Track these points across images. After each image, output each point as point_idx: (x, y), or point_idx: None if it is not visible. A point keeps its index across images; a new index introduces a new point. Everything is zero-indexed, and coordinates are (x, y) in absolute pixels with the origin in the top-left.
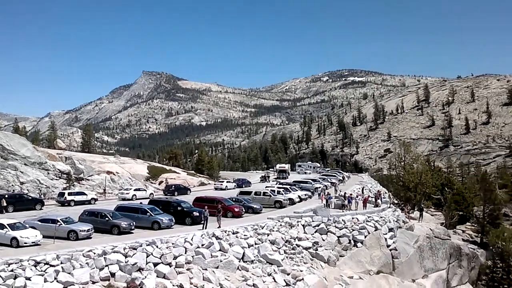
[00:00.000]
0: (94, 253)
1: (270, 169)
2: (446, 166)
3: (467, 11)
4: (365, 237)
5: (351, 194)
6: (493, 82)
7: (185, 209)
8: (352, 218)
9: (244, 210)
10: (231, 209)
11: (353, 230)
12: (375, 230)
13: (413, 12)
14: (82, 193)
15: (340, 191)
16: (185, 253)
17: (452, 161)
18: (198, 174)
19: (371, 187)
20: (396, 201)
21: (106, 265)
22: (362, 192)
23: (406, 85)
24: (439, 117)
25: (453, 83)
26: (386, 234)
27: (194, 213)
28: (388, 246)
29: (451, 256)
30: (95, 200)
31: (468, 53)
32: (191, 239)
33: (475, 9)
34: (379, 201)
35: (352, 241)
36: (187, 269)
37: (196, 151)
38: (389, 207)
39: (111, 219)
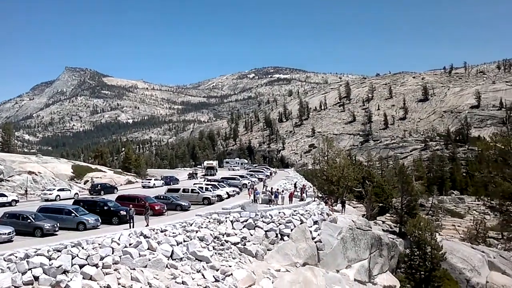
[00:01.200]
0: (16, 257)
1: (198, 166)
2: (367, 160)
3: (383, 13)
4: (292, 230)
5: (277, 189)
6: (409, 79)
7: (111, 209)
8: (279, 213)
9: (166, 208)
10: (151, 206)
11: (280, 224)
12: (300, 224)
13: (335, 12)
14: (2, 195)
15: (267, 186)
16: (112, 253)
17: (372, 155)
18: (125, 173)
19: (297, 181)
20: (320, 195)
21: (29, 269)
22: (295, 187)
23: (328, 82)
24: (360, 113)
25: (372, 81)
26: (311, 227)
27: (121, 212)
28: (313, 238)
29: (372, 246)
30: (16, 201)
31: (386, 52)
32: (118, 239)
33: (391, 11)
34: (304, 195)
35: (279, 235)
36: (114, 270)
37: (123, 149)
38: (314, 200)
39: (33, 221)
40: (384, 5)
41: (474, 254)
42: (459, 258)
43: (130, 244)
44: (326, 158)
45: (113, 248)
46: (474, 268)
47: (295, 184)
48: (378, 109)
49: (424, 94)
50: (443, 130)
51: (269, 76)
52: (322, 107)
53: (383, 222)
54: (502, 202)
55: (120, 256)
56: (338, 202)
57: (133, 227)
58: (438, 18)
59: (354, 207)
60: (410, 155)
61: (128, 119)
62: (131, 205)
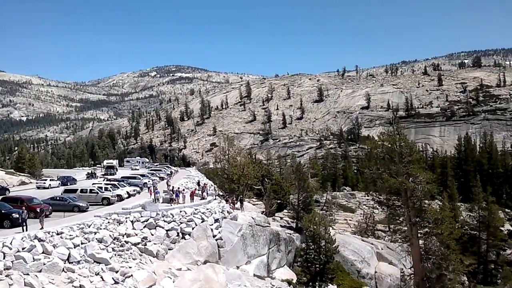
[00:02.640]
0: None
1: (98, 166)
2: (266, 158)
3: (282, 16)
4: (193, 229)
5: (178, 188)
6: (306, 80)
7: (3, 211)
8: (180, 212)
9: (51, 210)
10: (32, 208)
11: (181, 223)
12: (202, 222)
13: (235, 13)
14: None
15: (170, 185)
16: (4, 258)
17: (271, 153)
18: (18, 173)
19: (199, 180)
20: (221, 193)
21: None
22: (198, 185)
23: (230, 82)
24: (260, 113)
25: (272, 81)
26: (212, 225)
27: (14, 214)
28: (214, 236)
29: (271, 241)
30: None
31: (284, 53)
32: (10, 243)
33: (289, 13)
34: (205, 194)
35: (180, 234)
36: (6, 276)
37: (16, 148)
38: (215, 199)
39: None
40: (281, 8)
41: (364, 246)
42: (351, 250)
43: (23, 248)
44: (227, 156)
45: (4, 253)
46: (364, 260)
47: (198, 182)
48: (277, 109)
49: (319, 95)
50: (336, 130)
51: (171, 74)
52: (224, 106)
53: (281, 218)
54: (388, 197)
55: (12, 261)
56: (239, 199)
57: (26, 230)
58: (331, 22)
59: (254, 205)
60: (307, 154)
61: (22, 116)
62: (23, 208)
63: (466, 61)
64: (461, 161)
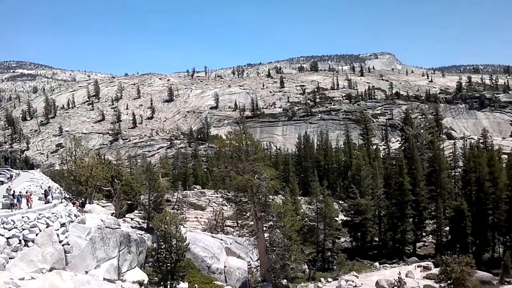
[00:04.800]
0: None
1: None
2: (116, 158)
3: (132, 14)
4: (37, 235)
5: (20, 192)
6: (156, 80)
7: None
8: (23, 217)
9: None
10: None
11: (23, 229)
12: (47, 227)
13: (80, 7)
14: None
15: (10, 189)
16: None
17: (121, 153)
18: None
19: (42, 183)
20: (68, 196)
21: None
22: (49, 189)
23: (77, 80)
24: (109, 112)
25: (121, 80)
26: (58, 229)
27: None
28: (60, 241)
29: (121, 243)
30: None
31: (134, 52)
32: None
33: (136, 11)
34: (49, 197)
35: (23, 241)
36: None
37: None
38: (61, 202)
39: None
40: (130, 5)
41: (214, 242)
42: (201, 247)
43: None
44: (73, 157)
45: None
46: (214, 255)
47: (48, 187)
48: (127, 108)
49: (169, 95)
50: (186, 129)
51: (11, 71)
52: (70, 106)
53: (132, 219)
54: (236, 193)
55: None
56: (87, 202)
57: None
58: (181, 23)
59: (103, 207)
60: (157, 153)
61: None
62: None
63: (305, 65)
64: (301, 158)
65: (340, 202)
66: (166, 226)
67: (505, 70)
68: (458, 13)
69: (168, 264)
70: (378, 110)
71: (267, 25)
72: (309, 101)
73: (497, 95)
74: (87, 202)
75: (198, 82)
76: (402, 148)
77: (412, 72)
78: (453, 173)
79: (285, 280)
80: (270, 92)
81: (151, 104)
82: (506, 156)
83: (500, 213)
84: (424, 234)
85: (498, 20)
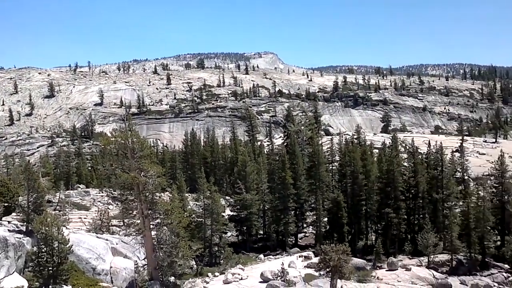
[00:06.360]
0: None
1: None
2: None
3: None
4: None
5: None
6: (35, 75)
7: None
8: None
9: None
10: None
11: None
12: None
13: None
14: None
15: None
16: None
17: None
18: None
19: None
20: None
21: None
22: None
23: None
24: None
25: None
26: None
27: None
28: None
29: None
30: None
31: (9, 44)
32: None
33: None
34: None
35: None
36: None
37: None
38: None
39: None
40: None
41: (99, 243)
42: (85, 248)
43: None
44: None
45: None
46: (100, 256)
47: None
48: (3, 104)
49: (50, 90)
50: (69, 127)
51: None
52: None
53: (9, 222)
54: (122, 192)
55: None
56: None
57: None
58: (63, 15)
59: None
60: (37, 152)
61: None
62: None
63: (191, 62)
64: (188, 155)
65: (227, 197)
66: (47, 228)
67: (376, 71)
68: (333, 16)
69: (50, 268)
70: (262, 107)
71: (153, 21)
72: (196, 98)
73: (369, 94)
74: None
75: (82, 78)
76: (285, 144)
77: (294, 71)
78: (331, 167)
79: (172, 278)
80: (157, 89)
81: (30, 99)
82: (377, 151)
83: (372, 203)
84: (305, 225)
85: (369, 22)
